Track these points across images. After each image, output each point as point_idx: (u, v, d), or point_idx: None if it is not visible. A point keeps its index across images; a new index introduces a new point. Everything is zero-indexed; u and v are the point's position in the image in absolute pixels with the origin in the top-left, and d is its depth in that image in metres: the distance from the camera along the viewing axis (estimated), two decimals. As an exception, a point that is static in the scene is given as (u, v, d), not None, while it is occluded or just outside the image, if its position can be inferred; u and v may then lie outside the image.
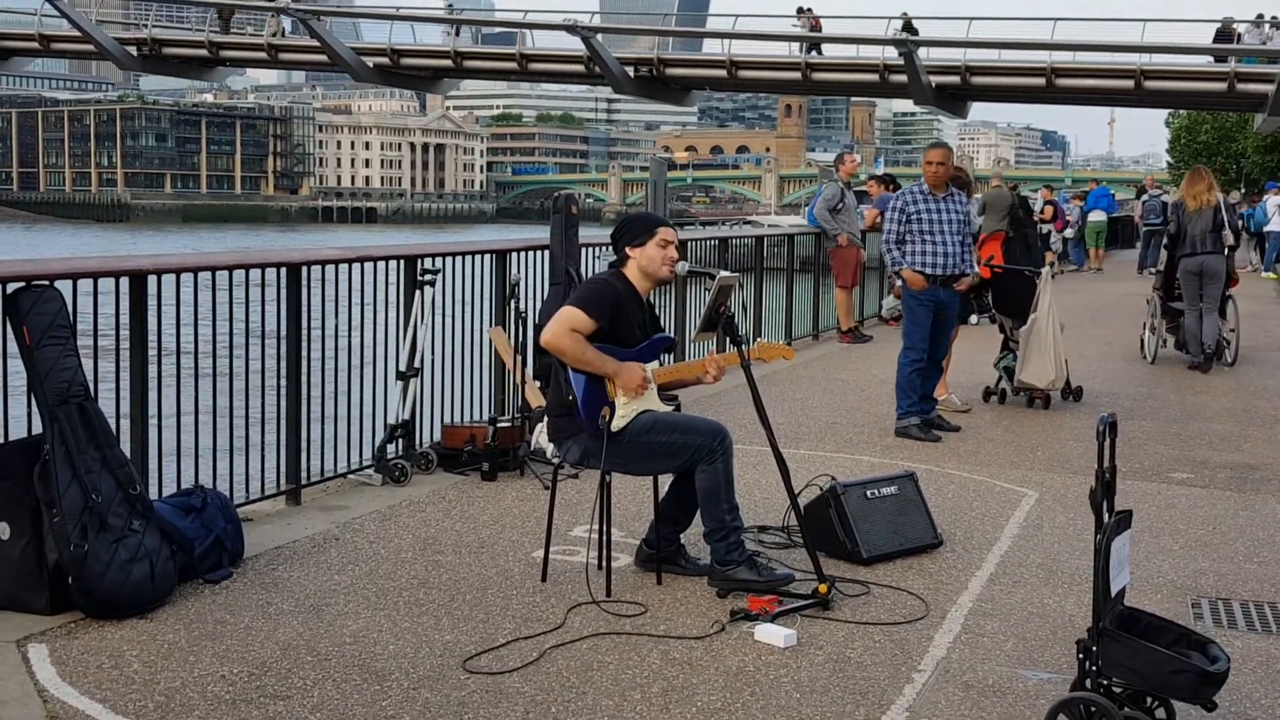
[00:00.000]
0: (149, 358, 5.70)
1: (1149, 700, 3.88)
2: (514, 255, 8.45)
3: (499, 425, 7.39)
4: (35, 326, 4.88)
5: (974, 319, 13.22)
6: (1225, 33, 33.32)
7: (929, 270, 8.85)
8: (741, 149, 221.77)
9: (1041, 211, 24.81)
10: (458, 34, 40.46)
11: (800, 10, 38.68)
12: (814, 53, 37.39)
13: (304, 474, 6.73)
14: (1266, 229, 29.06)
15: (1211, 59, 33.40)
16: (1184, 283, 12.65)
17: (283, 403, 6.59)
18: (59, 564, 4.75)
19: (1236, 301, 13.06)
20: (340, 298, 7.02)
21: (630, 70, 37.95)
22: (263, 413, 6.56)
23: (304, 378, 6.64)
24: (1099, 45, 34.48)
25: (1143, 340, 13.52)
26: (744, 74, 38.04)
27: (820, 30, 38.17)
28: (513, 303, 7.68)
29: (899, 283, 9.14)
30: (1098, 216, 29.24)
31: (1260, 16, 32.97)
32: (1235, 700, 4.24)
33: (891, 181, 17.13)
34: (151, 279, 5.70)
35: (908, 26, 35.51)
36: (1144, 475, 7.69)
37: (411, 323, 7.34)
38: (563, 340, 5.15)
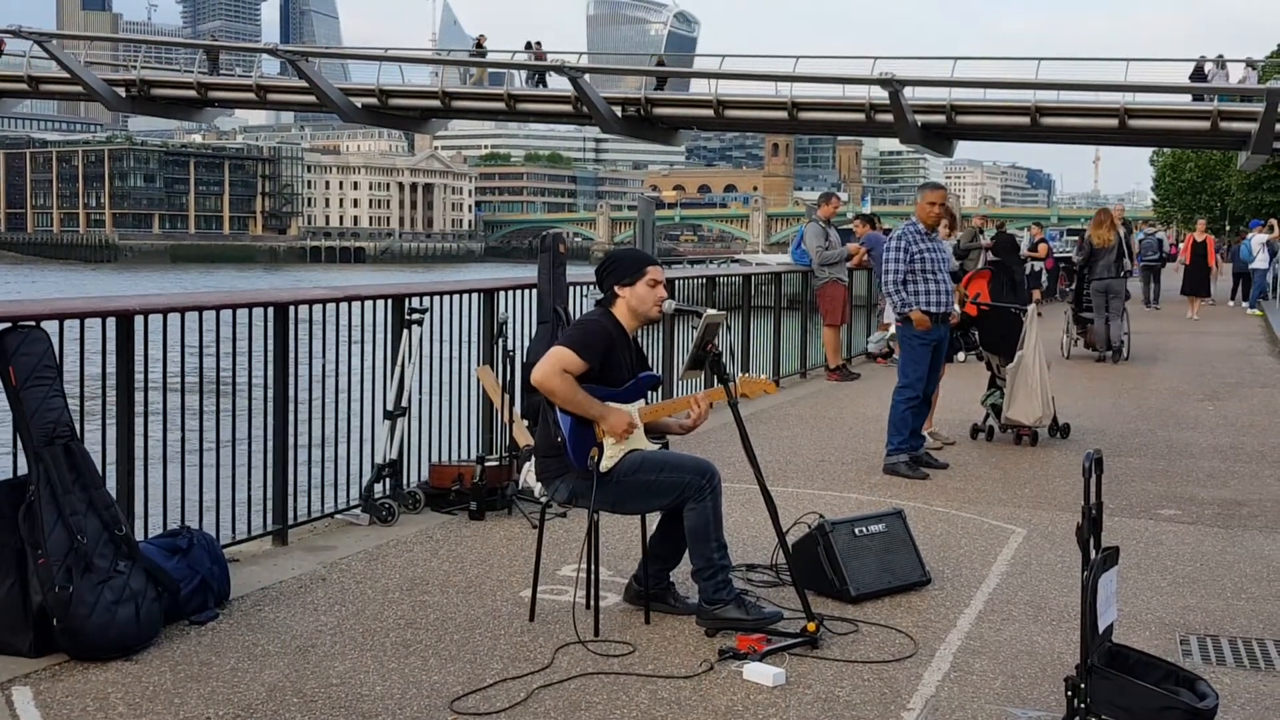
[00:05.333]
0: (135, 398, 5.68)
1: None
2: (502, 294, 8.47)
3: (487, 464, 7.37)
4: (21, 367, 4.86)
5: (961, 356, 13.27)
6: (1201, 72, 33.68)
7: (933, 309, 8.85)
8: (729, 188, 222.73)
9: (1034, 248, 24.84)
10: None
11: (529, 45, 40.92)
12: (540, 85, 40.39)
13: (291, 514, 6.71)
14: (1251, 267, 29.20)
15: (1192, 97, 33.72)
16: (1094, 298, 16.58)
17: (269, 443, 6.57)
18: (44, 606, 4.72)
19: (1129, 312, 17.01)
20: (328, 337, 7.02)
21: (618, 110, 38.15)
22: (250, 453, 6.54)
23: (291, 417, 6.63)
24: (1083, 84, 34.72)
25: (1062, 342, 17.11)
26: (731, 113, 38.27)
27: (545, 60, 41.01)
28: (500, 341, 7.68)
29: (889, 319, 9.13)
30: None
31: (1220, 57, 33.33)
32: (1225, 737, 4.22)
33: (873, 221, 17.22)
34: (138, 319, 5.70)
35: (660, 63, 37.29)
36: (1132, 512, 7.70)
37: (399, 362, 7.34)
38: (553, 381, 5.15)
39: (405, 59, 43.58)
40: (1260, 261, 28.90)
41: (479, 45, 43.43)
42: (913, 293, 8.86)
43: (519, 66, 41.50)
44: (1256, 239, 29.41)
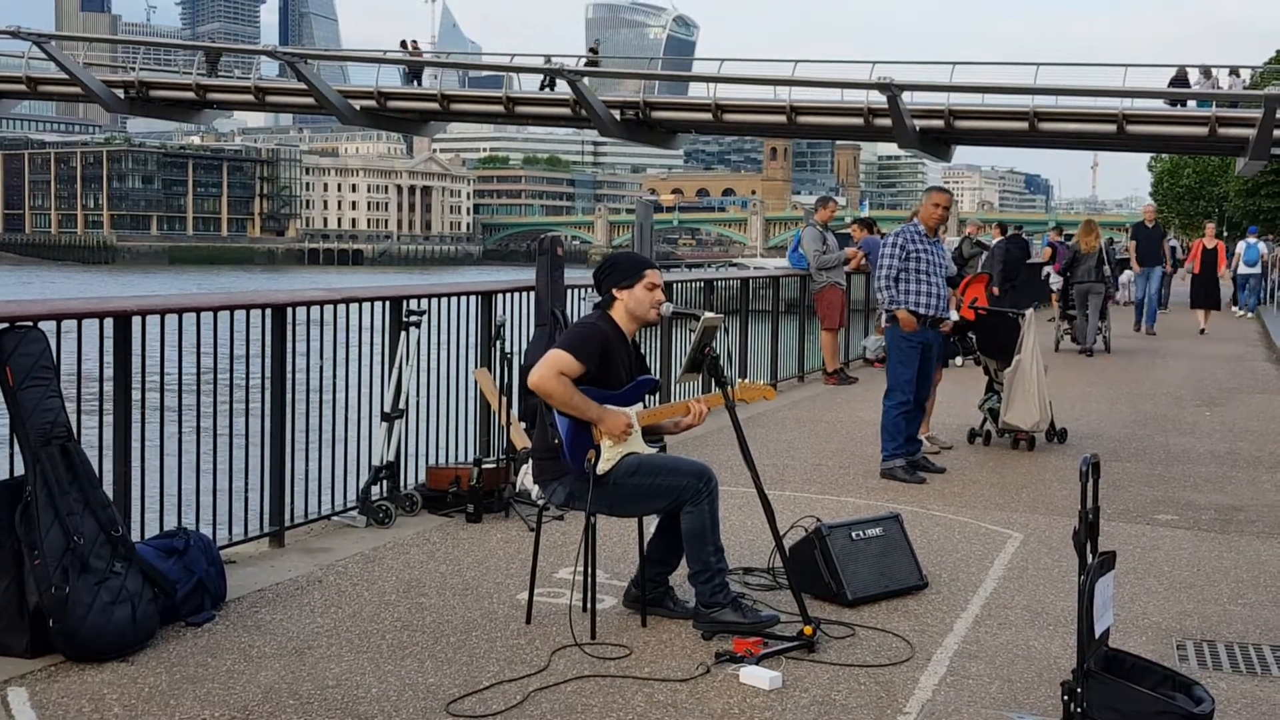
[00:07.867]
0: (132, 399, 5.68)
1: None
2: (499, 296, 8.47)
3: (484, 467, 7.37)
4: (19, 368, 4.86)
5: (958, 360, 13.27)
6: (1180, 79, 33.80)
7: (922, 310, 8.83)
8: (727, 191, 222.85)
9: (1039, 253, 24.85)
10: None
11: (404, 43, 42.09)
12: (415, 82, 42.17)
13: (288, 516, 6.70)
14: (1241, 271, 29.18)
15: (1194, 104, 33.78)
16: (1078, 299, 18.80)
17: (267, 444, 6.57)
18: (40, 606, 4.72)
19: (1109, 309, 19.24)
20: (325, 339, 7.01)
21: (616, 113, 38.16)
22: (246, 454, 6.54)
23: (288, 419, 6.62)
24: (1081, 90, 34.77)
25: (1053, 337, 19.13)
26: (729, 117, 38.27)
27: (420, 55, 43.53)
28: (498, 344, 7.68)
29: (885, 323, 9.12)
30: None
31: (1208, 67, 33.40)
32: (1221, 742, 4.22)
33: (871, 225, 17.22)
34: (136, 320, 5.69)
35: (548, 60, 38.61)
36: (1129, 517, 7.70)
37: (397, 364, 7.34)
38: (551, 384, 5.15)
39: (404, 61, 43.60)
40: (1255, 267, 28.91)
41: (593, 51, 43.71)
42: (903, 292, 8.84)
43: (520, 70, 41.47)
44: (1263, 245, 29.45)
